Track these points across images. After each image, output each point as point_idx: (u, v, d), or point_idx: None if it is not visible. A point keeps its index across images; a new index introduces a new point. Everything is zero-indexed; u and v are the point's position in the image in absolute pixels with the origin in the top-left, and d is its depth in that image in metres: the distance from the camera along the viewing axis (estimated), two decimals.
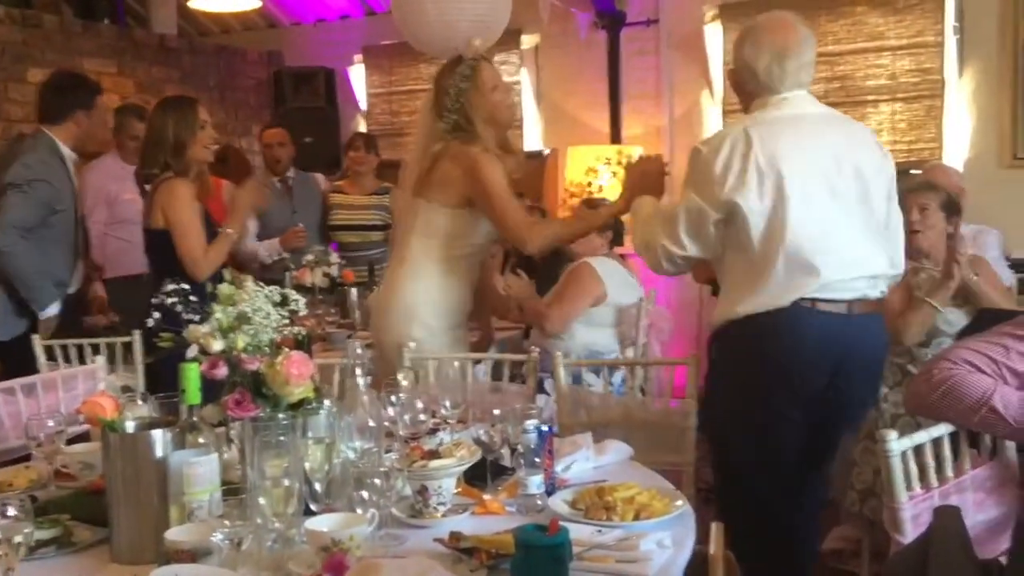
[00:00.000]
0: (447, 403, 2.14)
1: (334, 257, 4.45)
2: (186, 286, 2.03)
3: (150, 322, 2.01)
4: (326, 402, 1.92)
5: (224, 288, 1.95)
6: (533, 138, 6.10)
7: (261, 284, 2.00)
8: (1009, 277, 3.65)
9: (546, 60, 6.02)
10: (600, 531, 1.70)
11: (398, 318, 2.93)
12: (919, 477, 1.89)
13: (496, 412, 2.00)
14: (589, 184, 5.36)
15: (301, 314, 2.06)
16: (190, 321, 1.95)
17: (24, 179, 3.70)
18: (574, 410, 2.73)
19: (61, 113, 3.82)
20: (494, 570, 1.53)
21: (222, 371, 1.89)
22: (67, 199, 3.85)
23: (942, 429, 1.95)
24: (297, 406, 1.88)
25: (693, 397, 2.63)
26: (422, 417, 2.02)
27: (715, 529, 1.65)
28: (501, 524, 1.71)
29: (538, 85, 6.07)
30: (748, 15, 5.17)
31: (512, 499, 1.88)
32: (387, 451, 1.89)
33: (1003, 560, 1.78)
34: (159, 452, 1.67)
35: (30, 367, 3.46)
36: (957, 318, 3.00)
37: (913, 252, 2.95)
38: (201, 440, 1.73)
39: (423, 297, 2.91)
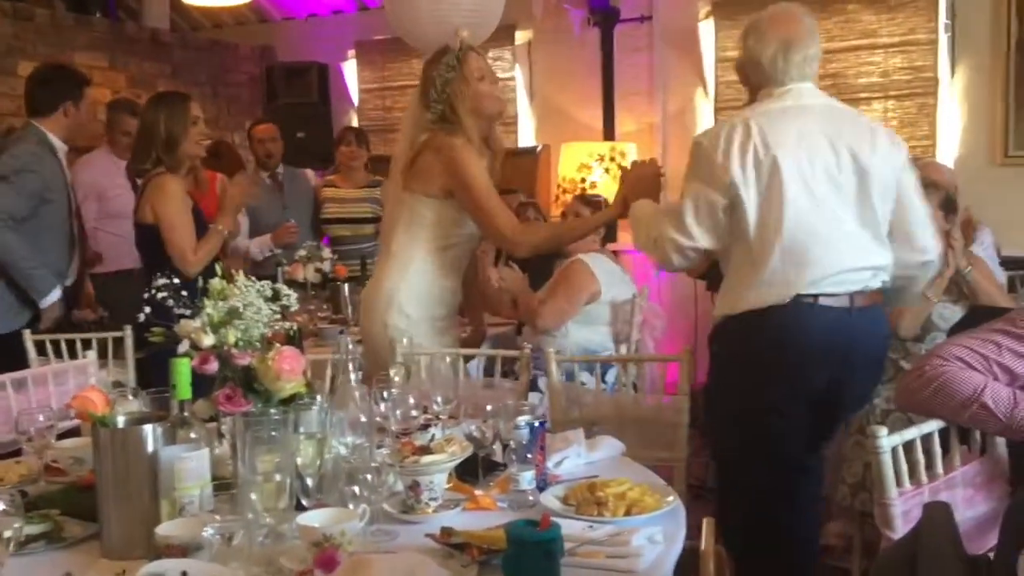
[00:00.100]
0: (439, 399, 2.14)
1: (326, 252, 4.44)
2: (177, 281, 2.02)
3: (141, 317, 2.00)
4: (318, 397, 1.92)
5: (215, 283, 1.95)
6: (526, 134, 6.09)
7: (252, 279, 2.00)
8: (1000, 274, 3.66)
9: (539, 56, 6.02)
10: (591, 527, 1.70)
11: (378, 306, 2.94)
12: (909, 473, 1.90)
13: (488, 408, 2.00)
14: (582, 180, 5.36)
15: (293, 309, 2.05)
16: (181, 316, 1.94)
17: (11, 170, 3.69)
18: (567, 406, 2.74)
19: (49, 105, 3.81)
20: (485, 566, 1.53)
21: (213, 366, 1.88)
22: (58, 190, 3.84)
23: (932, 425, 1.96)
24: (288, 401, 1.88)
25: (685, 393, 2.63)
26: (414, 413, 2.02)
27: (706, 524, 1.65)
28: (492, 520, 1.71)
29: (531, 81, 6.07)
30: (741, 12, 5.18)
31: (504, 495, 1.88)
32: (378, 446, 1.89)
33: (992, 556, 1.78)
34: (150, 447, 1.66)
35: (21, 362, 3.45)
36: (952, 313, 3.02)
37: None
38: (192, 435, 1.72)
39: (402, 285, 2.91)
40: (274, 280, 2.14)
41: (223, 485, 1.76)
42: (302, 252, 4.38)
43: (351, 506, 1.64)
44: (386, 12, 3.63)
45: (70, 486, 1.96)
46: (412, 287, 2.92)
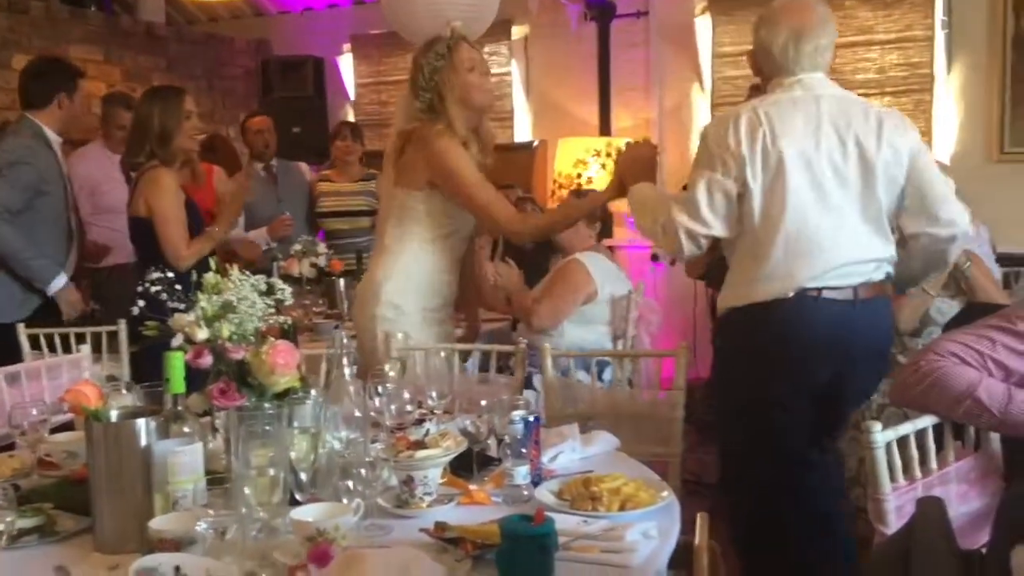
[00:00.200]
0: (433, 394, 2.14)
1: (322, 247, 4.43)
2: (171, 274, 2.01)
3: (135, 310, 2.00)
4: (312, 392, 1.92)
5: (209, 277, 1.95)
6: (522, 130, 6.08)
7: (247, 273, 1.99)
8: (996, 271, 3.67)
9: (536, 51, 6.01)
10: (586, 521, 1.70)
11: (368, 298, 2.94)
12: (903, 469, 1.90)
13: (483, 403, 2.00)
14: (578, 176, 5.36)
15: (287, 304, 2.05)
16: (175, 310, 1.94)
17: (4, 163, 3.70)
18: (562, 402, 2.73)
19: (43, 98, 3.82)
20: (479, 560, 1.53)
21: (207, 360, 1.88)
22: (54, 182, 3.84)
23: (927, 420, 1.96)
24: (283, 396, 1.88)
25: (681, 388, 2.63)
26: (408, 408, 2.02)
27: (700, 519, 1.65)
28: (487, 514, 1.71)
29: (527, 76, 6.06)
30: (737, 8, 5.19)
31: (498, 489, 1.88)
32: (373, 441, 1.89)
33: (985, 551, 1.79)
34: (143, 441, 1.66)
35: (14, 356, 3.45)
36: (949, 308, 3.02)
37: None
38: (186, 429, 1.72)
39: (393, 277, 2.91)
40: (269, 274, 2.14)
41: (217, 479, 1.76)
42: (298, 247, 4.37)
43: (345, 501, 1.64)
44: (382, 6, 3.62)
45: (63, 480, 1.96)
46: (403, 279, 2.92)
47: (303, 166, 5.29)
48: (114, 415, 1.75)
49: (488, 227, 3.03)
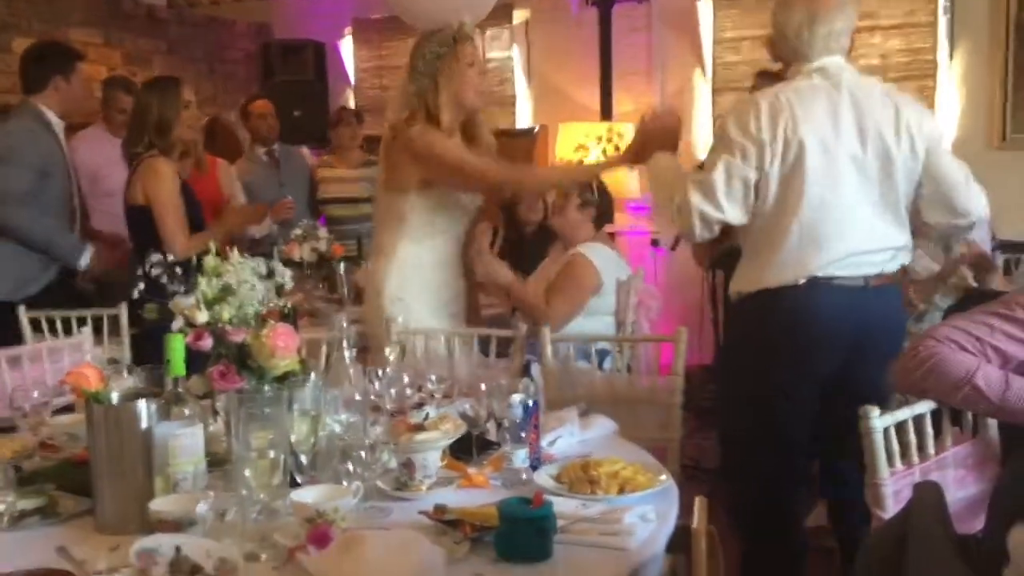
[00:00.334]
0: (433, 378, 2.14)
1: (323, 232, 4.43)
2: (171, 258, 2.02)
3: (135, 293, 2.00)
4: (312, 375, 1.92)
5: (209, 260, 1.95)
6: (523, 115, 6.07)
7: (247, 256, 2.00)
8: (995, 259, 3.66)
9: (537, 36, 5.99)
10: (584, 505, 1.71)
11: (373, 292, 2.96)
12: (901, 454, 1.91)
13: (482, 387, 2.01)
14: (580, 162, 5.35)
15: (288, 288, 2.05)
16: (175, 293, 1.94)
17: (5, 148, 3.70)
18: (560, 387, 2.74)
19: (41, 81, 3.83)
20: (478, 542, 1.54)
21: (207, 343, 1.88)
22: (56, 165, 3.85)
23: (924, 406, 1.97)
24: (283, 379, 1.88)
25: (680, 374, 2.63)
26: (408, 392, 2.02)
27: (699, 503, 1.66)
28: (486, 497, 1.72)
29: (528, 61, 6.04)
30: None
31: (497, 473, 1.89)
32: (372, 424, 1.89)
33: (981, 535, 1.80)
34: (144, 423, 1.67)
35: (16, 338, 3.46)
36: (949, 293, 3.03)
37: None
38: (186, 412, 1.73)
39: (392, 273, 2.92)
40: (270, 259, 2.14)
41: (217, 461, 1.77)
42: (298, 231, 4.37)
43: (345, 483, 1.64)
44: None
45: (64, 462, 1.96)
46: (404, 277, 2.93)
47: (305, 151, 5.29)
48: (115, 397, 1.76)
49: (494, 194, 3.01)
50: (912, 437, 1.94)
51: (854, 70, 2.48)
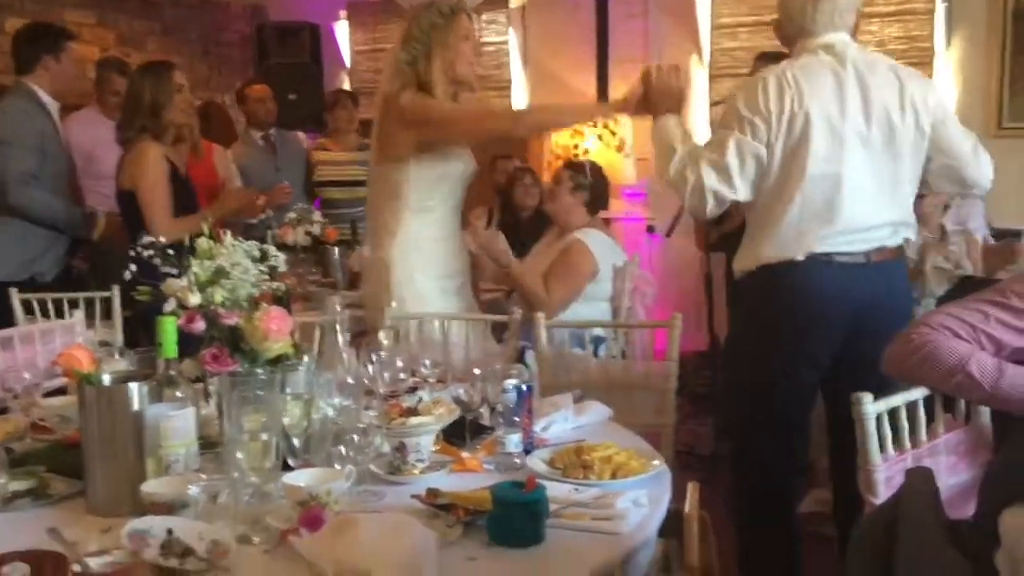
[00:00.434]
0: (427, 362, 2.14)
1: (317, 215, 4.42)
2: (163, 239, 2.01)
3: (127, 275, 1.99)
4: (305, 358, 1.91)
5: (202, 242, 1.94)
6: (519, 99, 6.04)
7: (240, 239, 1.99)
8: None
9: (533, 20, 5.96)
10: (577, 489, 1.71)
11: (380, 279, 2.91)
12: (893, 440, 1.91)
13: (476, 371, 2.00)
14: (575, 147, 5.33)
15: (281, 271, 2.04)
16: (167, 275, 1.93)
17: (7, 130, 3.73)
18: (555, 373, 2.73)
19: (31, 61, 3.85)
20: (470, 526, 1.54)
21: (199, 325, 1.87)
22: (53, 144, 3.88)
23: (917, 393, 1.97)
24: (276, 362, 1.88)
25: (674, 359, 2.63)
26: (401, 376, 2.02)
27: (691, 488, 1.67)
28: (479, 481, 1.72)
29: (525, 46, 6.01)
30: None
31: (490, 457, 1.89)
32: (366, 408, 1.89)
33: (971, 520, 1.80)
34: (135, 405, 1.66)
35: (7, 320, 3.45)
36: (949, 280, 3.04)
37: None
38: (178, 394, 1.72)
39: (400, 253, 2.89)
40: (263, 242, 2.13)
41: (209, 444, 1.76)
42: (292, 215, 4.36)
43: (338, 467, 1.64)
44: None
45: (55, 444, 1.96)
46: (413, 253, 2.90)
47: (300, 135, 5.27)
48: (107, 379, 1.75)
49: (493, 137, 2.99)
50: (905, 423, 1.94)
51: (859, 47, 2.48)
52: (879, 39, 5.09)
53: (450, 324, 2.82)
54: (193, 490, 1.53)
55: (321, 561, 1.37)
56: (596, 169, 3.67)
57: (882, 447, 1.89)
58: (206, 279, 1.89)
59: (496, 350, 2.86)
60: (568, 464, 1.81)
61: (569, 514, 1.59)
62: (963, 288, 2.89)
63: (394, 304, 2.81)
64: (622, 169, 5.25)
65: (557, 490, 1.66)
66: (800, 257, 2.35)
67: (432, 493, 1.63)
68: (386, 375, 2.00)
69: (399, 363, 2.02)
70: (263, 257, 1.99)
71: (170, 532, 1.42)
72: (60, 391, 2.27)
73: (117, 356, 2.05)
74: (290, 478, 1.57)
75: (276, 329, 1.85)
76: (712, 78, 5.44)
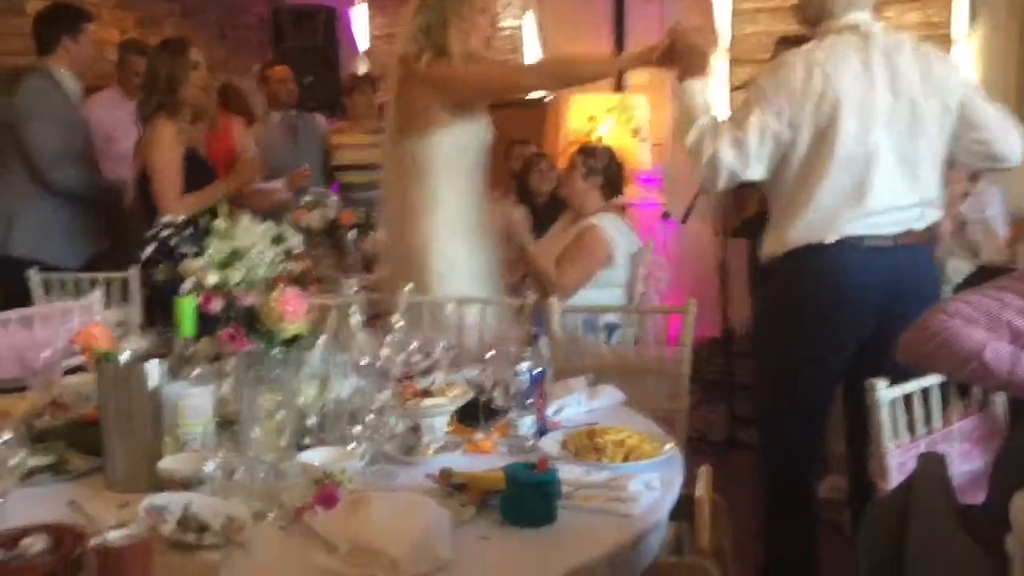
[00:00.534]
0: (441, 344, 2.15)
1: (332, 199, 4.42)
2: (181, 219, 2.02)
3: (145, 254, 2.01)
4: (320, 339, 1.93)
5: (219, 223, 1.95)
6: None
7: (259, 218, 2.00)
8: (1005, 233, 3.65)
9: (549, 5, 5.93)
10: (589, 472, 1.72)
11: (414, 266, 2.83)
12: (907, 426, 1.91)
13: (490, 354, 2.01)
14: (590, 133, 5.31)
15: (297, 252, 2.05)
16: (185, 255, 1.95)
17: (35, 107, 3.78)
18: (568, 358, 2.74)
19: (51, 43, 3.89)
20: (483, 506, 1.55)
21: (216, 305, 1.89)
22: (75, 124, 3.93)
23: (932, 379, 1.97)
24: (291, 342, 1.89)
25: (688, 345, 2.63)
26: (416, 357, 2.03)
27: (703, 472, 1.67)
28: (491, 463, 1.73)
29: (541, 30, 5.99)
30: None
31: (503, 439, 1.90)
32: (380, 390, 1.90)
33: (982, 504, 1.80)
34: (153, 383, 1.68)
35: (25, 300, 3.48)
36: (965, 266, 3.02)
37: None
38: (196, 372, 1.74)
39: (434, 233, 2.82)
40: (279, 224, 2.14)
41: (226, 423, 1.78)
42: (308, 198, 4.36)
43: (352, 446, 1.66)
44: None
45: (73, 421, 1.98)
46: (447, 232, 2.83)
47: (320, 118, 5.27)
48: (124, 357, 1.77)
49: (512, 91, 2.92)
50: (918, 410, 1.94)
51: (883, 26, 2.46)
52: (897, 26, 5.02)
53: (466, 308, 2.81)
54: (209, 467, 1.55)
55: (335, 538, 1.38)
56: (611, 154, 3.66)
57: (896, 433, 1.88)
58: (223, 260, 1.90)
59: (511, 334, 2.85)
60: (580, 447, 1.82)
61: (581, 496, 1.60)
62: (981, 276, 2.88)
63: (427, 281, 2.76)
64: (637, 154, 5.22)
65: (569, 472, 1.68)
66: (831, 240, 2.33)
67: (446, 473, 1.64)
68: (400, 357, 2.01)
69: (414, 345, 2.03)
70: (279, 239, 2.00)
71: (187, 507, 1.44)
72: (79, 369, 2.29)
73: (136, 335, 2.06)
74: (305, 456, 1.59)
75: (292, 310, 1.87)
76: (732, 63, 5.40)
